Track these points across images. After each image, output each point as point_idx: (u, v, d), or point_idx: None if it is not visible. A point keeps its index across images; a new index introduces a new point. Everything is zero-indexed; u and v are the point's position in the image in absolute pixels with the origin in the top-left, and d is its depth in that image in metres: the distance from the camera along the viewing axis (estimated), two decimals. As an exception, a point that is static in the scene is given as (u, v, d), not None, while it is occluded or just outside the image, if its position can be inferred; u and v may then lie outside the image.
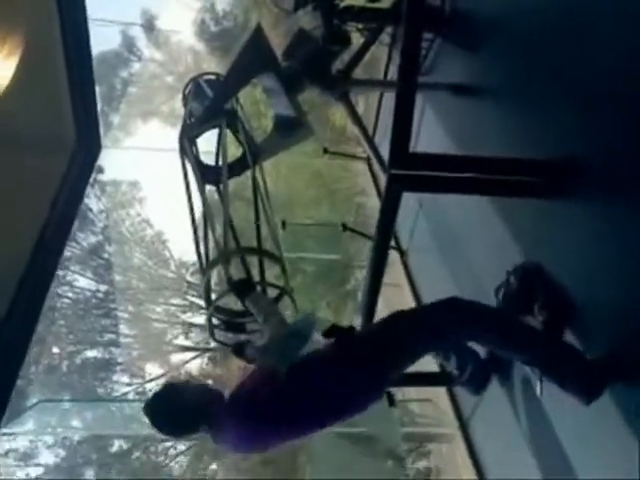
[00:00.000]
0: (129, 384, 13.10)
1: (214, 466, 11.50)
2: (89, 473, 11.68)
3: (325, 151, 6.22)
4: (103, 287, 13.61)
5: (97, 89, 5.58)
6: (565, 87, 2.77)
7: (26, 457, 11.15)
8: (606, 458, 2.39)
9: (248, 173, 3.86)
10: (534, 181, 2.81)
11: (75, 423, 9.20)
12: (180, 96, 4.31)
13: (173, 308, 13.85)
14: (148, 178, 13.39)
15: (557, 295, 2.64)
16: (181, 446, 11.35)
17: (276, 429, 2.23)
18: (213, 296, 3.45)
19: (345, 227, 5.82)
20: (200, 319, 12.33)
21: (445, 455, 5.92)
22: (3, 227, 3.79)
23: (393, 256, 5.34)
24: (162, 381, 12.56)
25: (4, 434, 6.59)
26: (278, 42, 4.10)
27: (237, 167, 3.90)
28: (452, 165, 2.85)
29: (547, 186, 2.77)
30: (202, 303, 3.57)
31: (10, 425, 6.21)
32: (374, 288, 2.99)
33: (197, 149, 3.97)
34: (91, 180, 6.15)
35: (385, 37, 4.73)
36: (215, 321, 3.47)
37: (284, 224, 5.45)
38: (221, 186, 3.74)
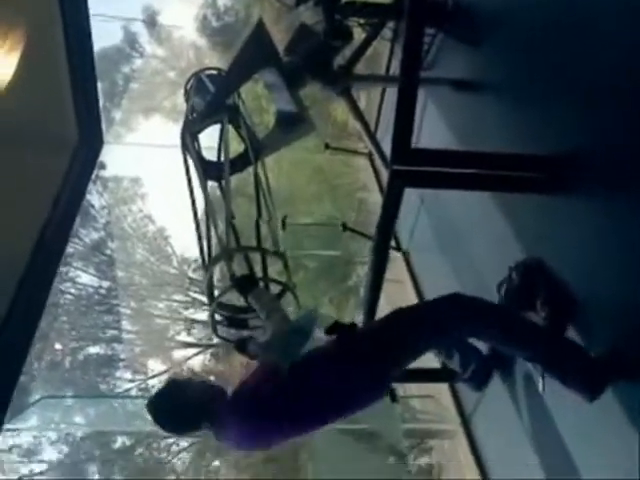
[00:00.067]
0: (132, 380, 13.13)
1: (217, 463, 11.52)
2: (92, 469, 11.71)
3: (327, 146, 6.22)
4: (105, 283, 13.64)
5: (99, 85, 5.58)
6: (567, 82, 2.76)
7: (29, 453, 11.19)
8: (608, 455, 2.39)
9: (250, 169, 3.86)
10: (536, 177, 2.81)
11: (78, 419, 9.22)
12: (182, 92, 4.30)
13: (175, 304, 13.87)
14: (150, 174, 13.41)
15: (559, 291, 2.64)
16: (184, 443, 11.38)
17: (278, 426, 2.22)
18: (216, 292, 3.45)
19: (345, 227, 5.80)
20: (202, 315, 12.36)
21: (447, 451, 5.92)
22: (5, 223, 3.79)
23: (395, 252, 5.34)
24: (165, 377, 12.58)
25: (7, 430, 6.60)
26: (280, 37, 4.08)
27: (239, 163, 3.89)
28: (454, 161, 2.85)
29: (549, 182, 2.76)
30: (204, 299, 3.58)
31: (13, 421, 6.22)
32: (376, 284, 2.99)
33: (199, 145, 3.96)
34: (93, 176, 6.14)
35: (387, 32, 4.73)
36: (218, 317, 3.47)
37: (284, 224, 5.44)
38: (223, 182, 3.73)
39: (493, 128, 3.47)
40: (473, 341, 3.00)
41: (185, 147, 3.76)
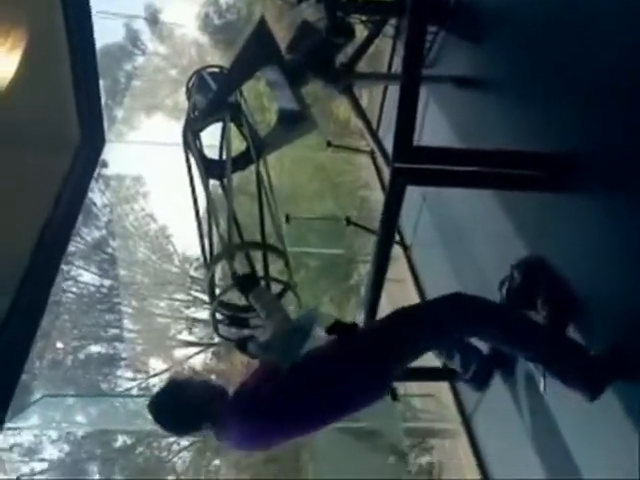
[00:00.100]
0: (133, 379, 13.13)
1: (217, 462, 11.53)
2: (93, 468, 11.72)
3: (329, 144, 6.21)
4: (107, 282, 13.64)
5: (101, 83, 5.57)
6: (568, 81, 2.76)
7: (30, 452, 11.19)
8: (609, 454, 2.39)
9: (252, 168, 3.85)
10: (537, 175, 2.80)
11: (79, 418, 9.22)
12: (184, 89, 4.29)
13: (177, 303, 13.87)
14: (152, 172, 13.40)
15: (560, 290, 2.64)
16: (184, 442, 11.38)
17: (279, 426, 2.22)
18: (217, 291, 3.44)
19: (349, 221, 5.81)
20: (204, 314, 12.36)
21: (448, 450, 5.92)
22: (7, 222, 3.79)
23: (397, 251, 5.33)
24: (166, 376, 12.59)
25: (8, 429, 6.60)
26: (282, 35, 4.09)
27: (241, 161, 3.88)
28: (456, 158, 2.84)
29: (550, 180, 2.75)
30: (206, 298, 3.57)
31: (14, 420, 6.22)
32: (378, 283, 2.99)
33: (201, 143, 3.96)
34: (95, 174, 6.13)
35: (389, 29, 4.73)
36: (219, 316, 3.46)
37: (288, 218, 5.45)
38: (225, 180, 3.73)
39: (495, 126, 3.47)
40: (474, 341, 2.99)
41: (187, 145, 3.76)
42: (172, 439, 11.09)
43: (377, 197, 6.56)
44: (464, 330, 2.55)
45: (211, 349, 12.75)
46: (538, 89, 3.04)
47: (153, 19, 14.20)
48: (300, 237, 8.53)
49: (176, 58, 14.56)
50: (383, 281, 2.98)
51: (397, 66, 5.44)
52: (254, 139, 3.85)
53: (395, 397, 3.35)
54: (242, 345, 2.59)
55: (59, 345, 12.45)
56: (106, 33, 12.83)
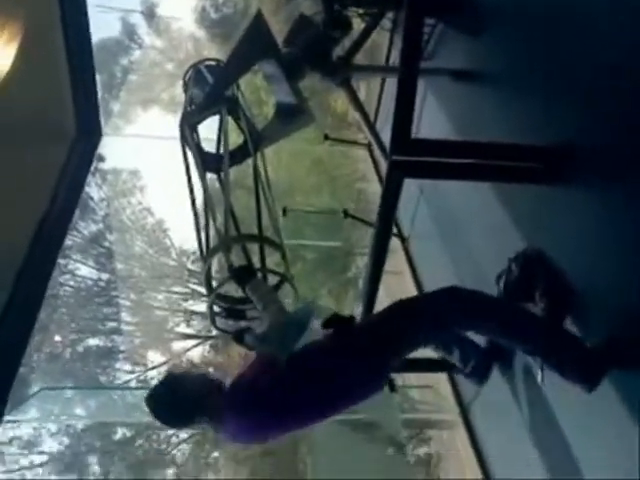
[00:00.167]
0: (131, 372, 13.12)
1: (216, 454, 11.56)
2: (92, 460, 11.74)
3: (326, 137, 6.20)
4: (105, 275, 13.62)
5: (97, 77, 5.55)
6: (565, 73, 2.76)
7: (30, 445, 11.20)
8: (607, 445, 2.40)
9: (249, 161, 3.84)
10: (535, 167, 2.81)
11: (78, 411, 9.25)
12: (180, 83, 4.28)
13: (175, 296, 13.86)
14: (149, 166, 13.36)
15: (558, 282, 2.64)
16: (183, 434, 11.40)
17: (276, 419, 2.23)
18: (214, 283, 3.45)
19: (346, 214, 5.81)
20: (201, 307, 12.35)
21: (446, 441, 5.95)
22: (4, 215, 3.78)
23: (395, 243, 5.34)
24: (164, 369, 12.60)
25: (7, 422, 6.62)
26: (279, 28, 4.08)
27: (238, 155, 3.88)
28: (453, 151, 2.85)
29: (547, 172, 2.76)
30: (203, 291, 3.57)
31: (14, 413, 6.23)
32: (375, 275, 2.99)
33: (198, 136, 3.95)
34: (92, 168, 6.12)
35: (386, 22, 4.70)
36: (216, 308, 3.47)
37: (285, 211, 5.44)
38: (222, 174, 3.73)
39: (492, 118, 3.47)
40: (472, 335, 3.00)
41: (184, 139, 3.75)
42: (171, 432, 11.11)
43: (374, 190, 6.56)
44: (461, 323, 2.55)
45: (209, 341, 12.75)
46: (535, 82, 3.04)
47: (150, 13, 14.14)
48: (297, 230, 8.53)
49: (173, 52, 14.50)
50: (381, 273, 2.99)
51: (395, 59, 5.42)
52: (251, 133, 3.85)
53: (393, 388, 3.36)
54: (239, 337, 2.59)
55: (57, 338, 12.45)
56: (102, 27, 12.79)
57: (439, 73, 4.29)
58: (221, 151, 3.83)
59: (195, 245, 3.75)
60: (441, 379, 4.53)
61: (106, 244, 13.78)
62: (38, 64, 4.41)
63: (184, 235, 12.67)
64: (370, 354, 2.29)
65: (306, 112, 3.75)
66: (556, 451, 2.76)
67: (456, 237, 4.15)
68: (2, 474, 10.43)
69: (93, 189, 12.76)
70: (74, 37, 4.91)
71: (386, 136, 2.99)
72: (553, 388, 2.70)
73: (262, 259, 3.48)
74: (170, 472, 12.17)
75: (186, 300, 13.67)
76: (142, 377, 12.72)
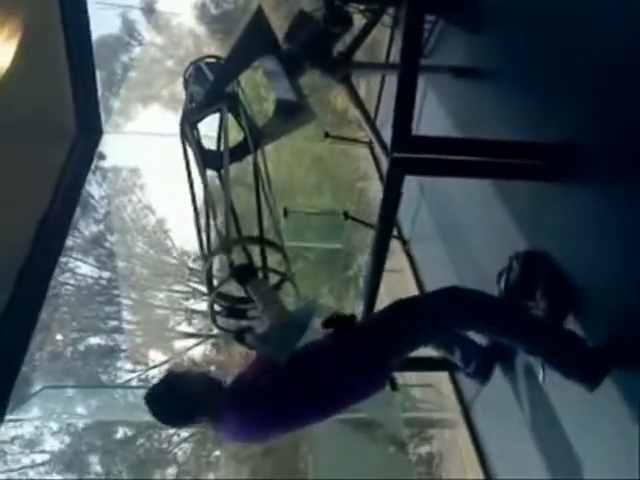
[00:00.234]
0: (132, 371, 13.14)
1: (217, 453, 11.57)
2: (94, 459, 11.75)
3: (326, 135, 6.18)
4: (106, 274, 13.63)
5: (97, 74, 5.54)
6: (567, 70, 2.75)
7: (31, 444, 11.22)
8: (608, 443, 2.39)
9: (249, 159, 3.83)
10: (535, 164, 2.80)
11: (79, 410, 9.23)
12: (181, 80, 4.27)
13: (176, 295, 13.87)
14: (149, 163, 13.36)
15: (559, 280, 2.63)
16: (185, 433, 11.41)
17: (276, 418, 2.22)
18: (215, 282, 3.44)
19: (347, 215, 5.79)
20: (203, 305, 12.35)
21: (447, 440, 5.93)
22: (5, 214, 3.78)
23: (395, 243, 5.33)
24: (165, 368, 12.61)
25: (9, 421, 6.61)
26: (279, 24, 4.06)
27: (239, 152, 3.86)
28: (454, 148, 2.84)
29: (548, 169, 2.76)
30: (204, 289, 3.56)
31: (15, 412, 6.22)
32: (376, 274, 2.98)
33: (199, 134, 3.94)
34: (92, 167, 6.11)
35: (387, 19, 4.69)
36: (217, 307, 3.46)
37: (286, 212, 5.42)
38: (222, 171, 3.71)
39: (493, 116, 3.46)
40: (472, 334, 2.99)
41: (184, 136, 3.74)
42: (172, 431, 11.12)
43: (375, 191, 6.55)
44: (462, 323, 2.54)
45: (210, 340, 12.76)
46: (536, 79, 3.03)
47: (149, 9, 14.13)
48: (298, 231, 8.52)
49: (173, 48, 14.49)
50: (382, 272, 2.98)
51: (395, 56, 5.41)
52: (252, 130, 3.83)
53: (394, 387, 3.35)
54: (240, 336, 2.58)
55: (59, 337, 12.46)
56: (102, 23, 12.79)
57: (440, 70, 4.27)
58: (221, 148, 3.81)
59: (196, 243, 3.74)
60: (442, 378, 4.52)
61: (107, 243, 13.79)
62: (38, 62, 4.40)
63: (185, 233, 12.68)
64: (371, 353, 2.29)
65: (306, 109, 3.73)
66: (557, 450, 2.76)
67: (457, 238, 4.14)
68: (4, 473, 10.44)
69: (93, 187, 12.77)
70: (74, 34, 4.91)
71: (387, 133, 2.98)
72: (554, 387, 2.69)
73: (263, 258, 3.47)
74: (171, 471, 12.19)
75: (187, 299, 13.69)
76: (143, 376, 12.74)
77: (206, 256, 3.52)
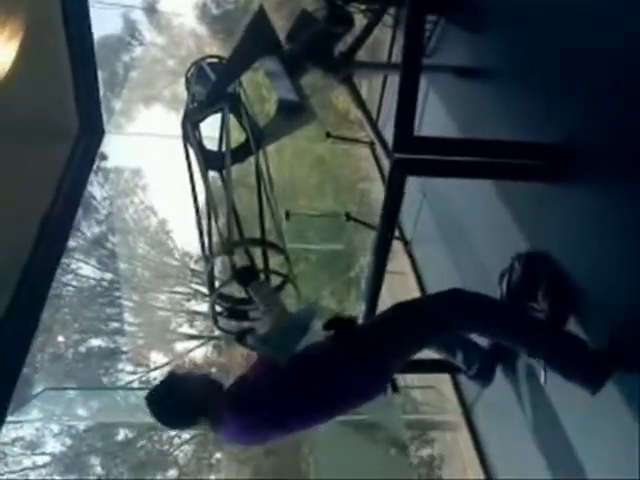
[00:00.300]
0: (134, 373, 13.13)
1: (219, 455, 11.56)
2: (94, 461, 11.75)
3: (328, 135, 6.17)
4: (107, 275, 13.64)
5: (99, 74, 5.55)
6: (568, 71, 2.75)
7: (32, 445, 11.21)
8: (609, 445, 2.39)
9: (251, 159, 3.82)
10: (538, 164, 2.80)
11: (80, 412, 9.24)
12: (182, 80, 4.26)
13: (178, 296, 13.87)
14: (151, 164, 13.37)
15: (560, 281, 2.63)
16: (186, 435, 11.40)
17: (277, 421, 2.21)
18: (217, 284, 3.43)
19: (349, 217, 5.79)
20: (204, 307, 12.36)
21: (449, 443, 5.92)
22: (7, 214, 3.77)
23: (397, 244, 5.33)
24: (166, 369, 12.61)
25: (10, 422, 6.61)
26: (281, 24, 4.06)
27: (240, 152, 3.86)
28: (456, 148, 2.84)
29: (550, 169, 2.76)
30: (206, 291, 3.56)
31: (16, 413, 6.22)
32: (378, 275, 2.97)
33: (200, 134, 3.93)
34: (94, 167, 6.11)
35: (388, 19, 4.70)
36: (219, 309, 3.45)
37: (288, 215, 5.42)
38: (224, 172, 3.70)
39: (495, 116, 3.45)
40: (473, 336, 2.98)
41: (186, 137, 3.73)
42: (173, 432, 11.12)
43: (377, 192, 6.54)
44: (463, 326, 2.54)
45: (212, 342, 12.76)
46: (538, 79, 3.02)
47: (151, 9, 14.13)
48: (300, 232, 8.52)
49: (174, 49, 14.50)
50: (383, 273, 2.97)
51: (397, 56, 5.41)
52: (253, 130, 3.83)
53: (396, 389, 3.34)
54: (242, 338, 2.58)
55: (60, 339, 12.46)
56: (104, 23, 12.79)
57: (441, 70, 4.27)
58: (223, 149, 3.81)
59: (198, 245, 3.73)
60: (444, 380, 4.52)
61: (108, 244, 13.79)
62: (40, 62, 4.40)
63: (187, 235, 12.69)
64: (372, 356, 2.28)
65: (308, 109, 3.73)
66: (559, 452, 2.75)
67: (459, 238, 4.14)
68: (5, 475, 10.44)
69: (95, 188, 12.77)
70: (76, 34, 4.91)
71: (388, 134, 2.98)
72: (556, 389, 2.69)
73: (265, 260, 3.46)
74: (172, 473, 12.18)
75: (189, 300, 13.69)
76: (144, 378, 12.74)
77: (208, 258, 3.51)
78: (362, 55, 4.61)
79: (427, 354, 2.96)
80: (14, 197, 3.86)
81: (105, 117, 5.90)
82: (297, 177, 11.02)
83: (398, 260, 5.40)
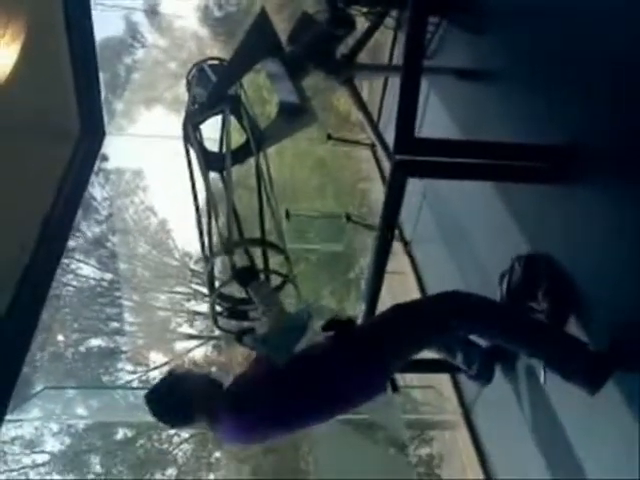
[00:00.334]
0: (133, 372, 13.11)
1: (218, 454, 11.55)
2: (94, 460, 11.74)
3: (329, 137, 6.18)
4: (107, 275, 13.62)
5: (100, 76, 5.56)
6: (570, 72, 2.75)
7: (32, 444, 11.20)
8: (609, 445, 2.40)
9: (252, 161, 3.83)
10: (539, 166, 2.80)
11: (80, 411, 9.23)
12: (184, 82, 4.27)
13: (178, 296, 13.85)
14: (152, 165, 13.34)
15: (561, 282, 2.63)
16: (185, 434, 11.40)
17: (276, 420, 2.22)
18: (217, 284, 3.44)
19: (349, 218, 5.80)
20: (204, 307, 12.35)
21: (448, 442, 5.93)
22: (7, 215, 3.78)
23: (397, 244, 5.33)
24: (166, 369, 12.59)
25: (10, 421, 6.60)
26: (282, 27, 4.06)
27: (241, 154, 3.86)
28: (457, 150, 2.84)
29: (552, 171, 2.76)
30: (206, 291, 3.56)
31: (16, 412, 6.22)
32: (378, 276, 2.98)
33: (201, 136, 3.94)
34: (95, 168, 6.12)
35: (390, 21, 4.69)
36: (218, 309, 3.46)
37: (288, 214, 5.43)
38: (225, 173, 3.71)
39: (496, 117, 3.46)
40: (473, 337, 2.99)
41: (187, 138, 3.74)
42: (173, 431, 11.11)
43: (377, 193, 6.54)
44: (462, 327, 2.54)
45: (211, 342, 12.75)
46: (540, 81, 3.03)
47: (152, 11, 14.13)
48: (300, 233, 8.51)
49: (175, 50, 14.49)
50: (383, 274, 2.98)
51: (398, 58, 5.41)
52: (254, 132, 3.83)
53: (395, 388, 3.35)
54: (241, 337, 2.59)
55: (60, 338, 12.45)
56: (105, 25, 12.78)
57: (442, 72, 4.28)
58: (224, 150, 3.81)
59: (198, 245, 3.74)
60: (443, 380, 4.52)
61: (109, 244, 13.78)
62: (41, 64, 4.41)
63: (187, 235, 12.68)
64: (371, 357, 2.29)
65: (309, 111, 3.74)
66: (558, 452, 2.75)
67: (459, 239, 4.14)
68: (4, 473, 10.43)
69: (96, 189, 12.75)
70: (77, 36, 4.92)
71: (389, 136, 2.99)
72: (556, 389, 2.69)
73: (265, 260, 3.47)
74: (172, 472, 12.16)
75: (189, 300, 13.67)
76: (144, 377, 12.71)
77: (208, 258, 3.52)
78: (363, 57, 4.62)
79: (427, 354, 2.97)
80: (15, 197, 3.88)
81: (106, 118, 5.91)
82: (298, 179, 11.01)
83: (398, 260, 5.40)
